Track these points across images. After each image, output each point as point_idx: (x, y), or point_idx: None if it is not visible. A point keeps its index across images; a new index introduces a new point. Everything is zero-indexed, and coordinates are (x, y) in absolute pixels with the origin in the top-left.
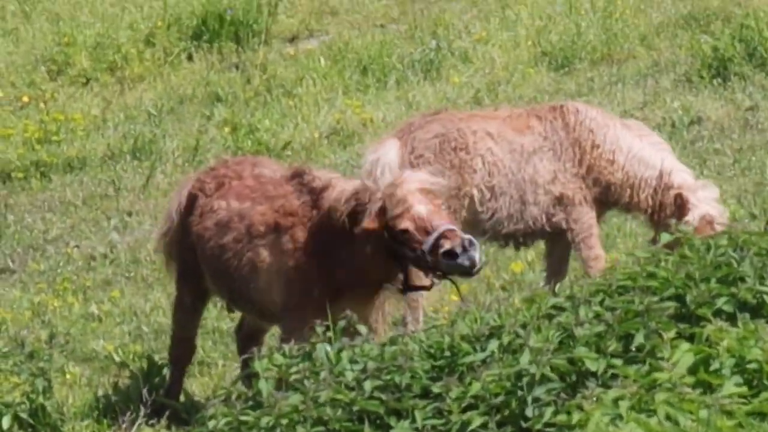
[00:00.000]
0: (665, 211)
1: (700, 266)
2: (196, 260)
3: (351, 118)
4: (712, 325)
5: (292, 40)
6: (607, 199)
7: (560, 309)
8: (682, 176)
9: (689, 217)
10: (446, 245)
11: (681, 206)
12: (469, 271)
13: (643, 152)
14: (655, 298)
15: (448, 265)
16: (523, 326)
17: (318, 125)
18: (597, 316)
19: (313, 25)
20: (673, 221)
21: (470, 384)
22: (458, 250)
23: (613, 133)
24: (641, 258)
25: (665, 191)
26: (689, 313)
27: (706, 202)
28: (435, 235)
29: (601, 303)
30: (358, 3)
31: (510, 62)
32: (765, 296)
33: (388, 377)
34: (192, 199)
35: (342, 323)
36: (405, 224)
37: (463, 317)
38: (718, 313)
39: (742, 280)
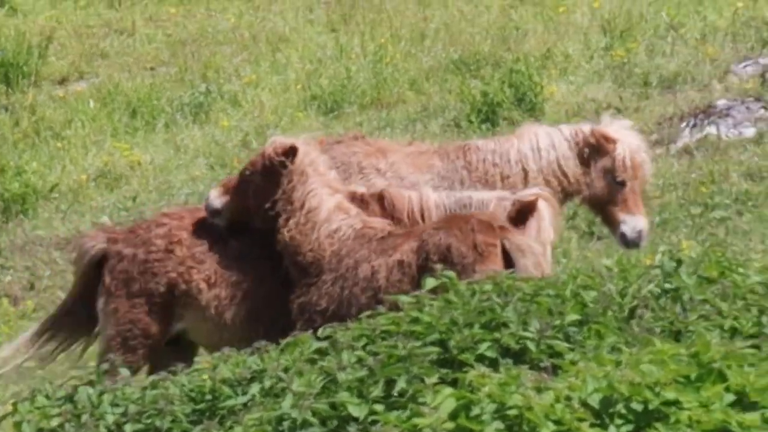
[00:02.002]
0: (595, 164)
1: (464, 311)
2: None
3: (119, 160)
4: (474, 371)
5: (62, 81)
6: None
7: (323, 353)
8: (588, 125)
9: (618, 151)
10: None
11: (603, 142)
12: None
13: (541, 143)
14: (419, 343)
15: None
16: (286, 370)
17: (86, 168)
18: (360, 360)
19: (83, 68)
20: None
21: (231, 428)
22: None
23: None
24: (405, 303)
25: (584, 146)
26: (452, 358)
27: (626, 132)
28: None
29: (364, 348)
30: (129, 45)
31: (279, 106)
32: (527, 342)
33: (149, 421)
34: None
35: (104, 366)
36: None
37: (225, 360)
38: (481, 358)
39: (505, 325)
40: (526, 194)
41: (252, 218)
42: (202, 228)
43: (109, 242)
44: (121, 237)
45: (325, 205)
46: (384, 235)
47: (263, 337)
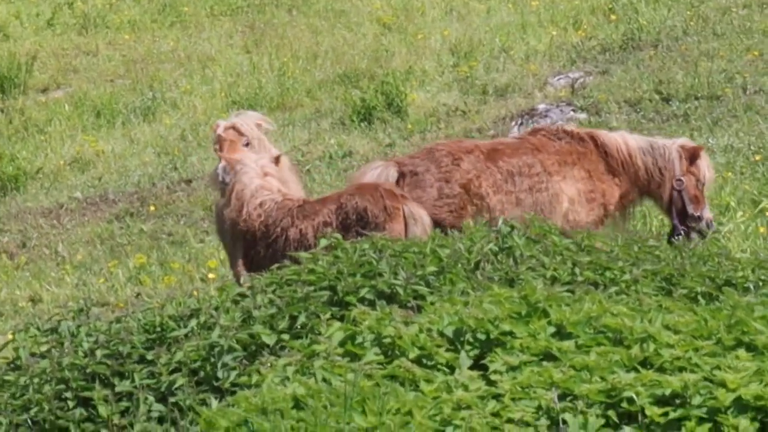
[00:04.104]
0: None
1: (348, 264)
2: None
3: (88, 150)
4: (357, 309)
5: (44, 90)
6: None
7: (243, 296)
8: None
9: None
10: None
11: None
12: None
13: None
14: (314, 288)
15: None
16: (216, 309)
17: (63, 155)
18: (270, 301)
19: (60, 80)
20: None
21: (175, 352)
22: None
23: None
24: (304, 258)
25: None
26: (340, 300)
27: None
28: None
29: (273, 292)
30: (94, 63)
31: (208, 108)
32: (397, 287)
33: (114, 347)
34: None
35: (83, 303)
36: None
37: (170, 302)
38: (361, 300)
39: (380, 275)
40: (686, 141)
41: None
42: (470, 152)
43: (399, 165)
44: (408, 161)
45: (251, 185)
46: (301, 204)
47: None
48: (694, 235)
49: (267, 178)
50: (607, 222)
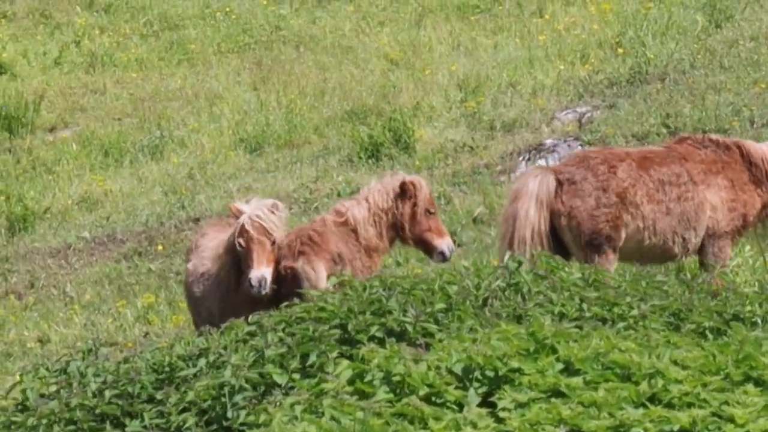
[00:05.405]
0: None
1: (358, 302)
2: None
3: (96, 189)
4: (366, 347)
5: (52, 130)
6: None
7: (253, 335)
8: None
9: None
10: None
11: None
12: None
13: None
14: (325, 327)
15: None
16: (225, 348)
17: (71, 195)
18: (281, 340)
19: (67, 119)
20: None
21: (185, 392)
22: None
23: None
24: (314, 296)
25: None
26: (350, 338)
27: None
28: None
29: (284, 330)
30: (101, 101)
31: (215, 146)
32: (406, 325)
33: (123, 387)
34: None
35: (91, 343)
36: None
37: (179, 341)
38: (371, 338)
39: (390, 312)
40: None
41: None
42: (623, 159)
43: (556, 172)
44: (564, 169)
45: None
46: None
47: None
48: None
49: (363, 202)
50: (744, 233)
